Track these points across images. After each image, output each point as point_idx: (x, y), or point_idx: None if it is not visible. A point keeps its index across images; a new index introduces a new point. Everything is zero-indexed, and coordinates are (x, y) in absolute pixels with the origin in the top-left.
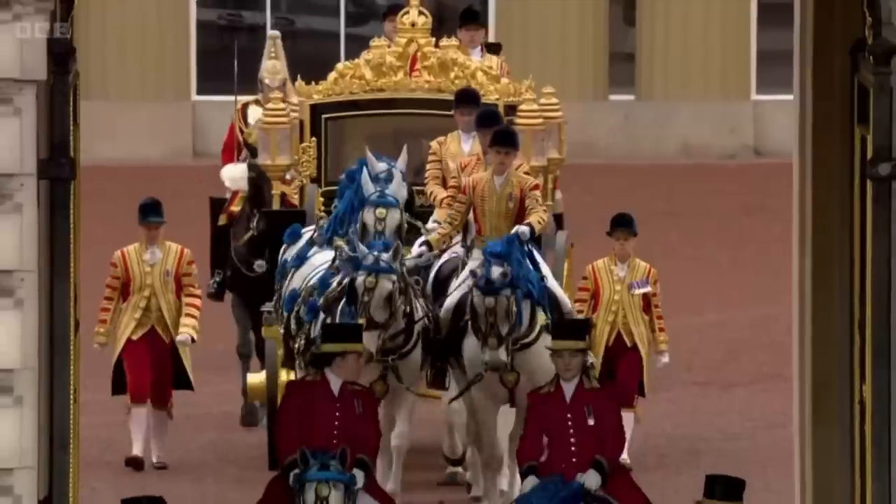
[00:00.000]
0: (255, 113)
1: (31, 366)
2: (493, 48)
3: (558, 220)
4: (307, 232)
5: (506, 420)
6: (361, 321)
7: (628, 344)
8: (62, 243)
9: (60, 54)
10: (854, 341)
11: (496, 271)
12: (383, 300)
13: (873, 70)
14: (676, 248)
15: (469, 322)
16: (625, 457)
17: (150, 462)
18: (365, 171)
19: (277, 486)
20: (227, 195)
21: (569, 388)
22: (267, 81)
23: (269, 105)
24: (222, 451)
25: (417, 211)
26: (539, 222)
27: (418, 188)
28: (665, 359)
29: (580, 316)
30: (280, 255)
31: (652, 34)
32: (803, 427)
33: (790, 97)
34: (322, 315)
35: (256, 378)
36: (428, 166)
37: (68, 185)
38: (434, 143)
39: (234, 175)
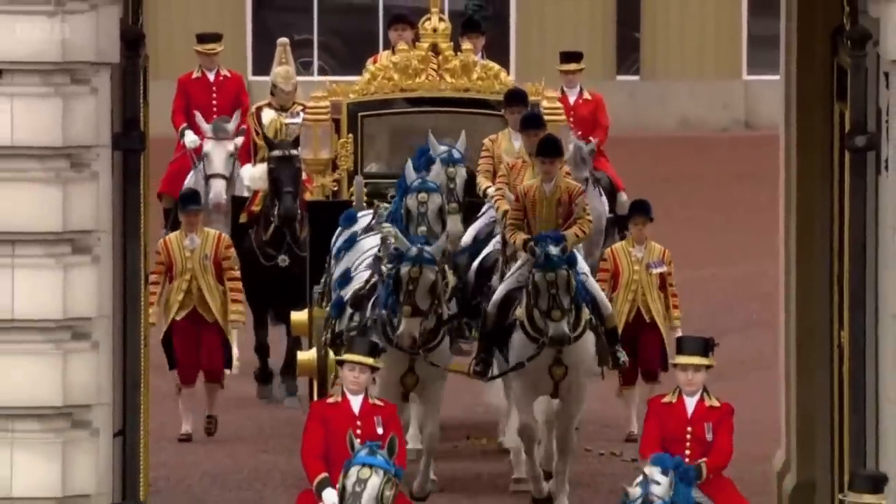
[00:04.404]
0: (269, 115)
1: (107, 314)
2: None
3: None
4: (364, 216)
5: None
6: (406, 308)
7: (647, 320)
8: (133, 206)
9: (132, 40)
10: (833, 293)
11: (554, 249)
12: (427, 290)
13: (851, 53)
14: (675, 211)
15: (518, 321)
16: (632, 429)
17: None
18: (409, 162)
19: (307, 501)
20: (247, 194)
21: (690, 403)
22: (281, 86)
23: (311, 103)
24: (276, 424)
25: (472, 201)
26: (577, 235)
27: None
28: (678, 333)
29: (706, 335)
30: (333, 240)
31: (654, 22)
32: (788, 369)
33: (777, 77)
34: (350, 311)
35: (307, 355)
36: (480, 161)
37: (139, 156)
38: (487, 141)
39: (255, 175)
